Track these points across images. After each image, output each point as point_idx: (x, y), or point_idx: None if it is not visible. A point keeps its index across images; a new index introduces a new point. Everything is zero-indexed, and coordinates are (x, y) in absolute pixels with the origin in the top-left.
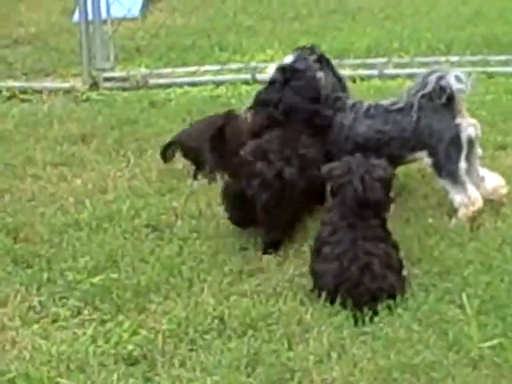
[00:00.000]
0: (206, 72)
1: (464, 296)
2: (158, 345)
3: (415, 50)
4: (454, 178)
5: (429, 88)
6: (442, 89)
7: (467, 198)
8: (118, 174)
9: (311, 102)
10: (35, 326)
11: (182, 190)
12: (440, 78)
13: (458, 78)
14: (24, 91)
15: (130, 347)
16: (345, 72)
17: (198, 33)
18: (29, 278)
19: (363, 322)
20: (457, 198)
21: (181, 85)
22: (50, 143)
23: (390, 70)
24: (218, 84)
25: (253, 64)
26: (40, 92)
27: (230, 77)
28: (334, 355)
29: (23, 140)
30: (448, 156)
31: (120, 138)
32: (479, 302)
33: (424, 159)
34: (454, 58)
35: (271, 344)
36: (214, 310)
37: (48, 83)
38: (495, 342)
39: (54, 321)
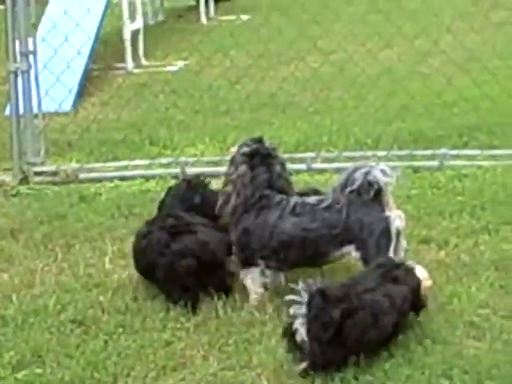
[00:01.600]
0: (136, 166)
1: None
2: None
3: (343, 145)
4: None
5: (357, 184)
6: (370, 184)
7: None
8: (45, 269)
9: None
10: None
11: (108, 284)
12: (367, 173)
13: (383, 172)
14: None
15: None
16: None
17: (130, 127)
18: None
19: None
20: None
21: (111, 179)
22: None
23: (319, 165)
24: (148, 178)
25: (182, 158)
26: None
27: (159, 171)
28: None
29: None
30: (378, 248)
31: (49, 232)
32: None
33: (352, 253)
34: (382, 153)
35: None
36: None
37: None
38: None
39: None
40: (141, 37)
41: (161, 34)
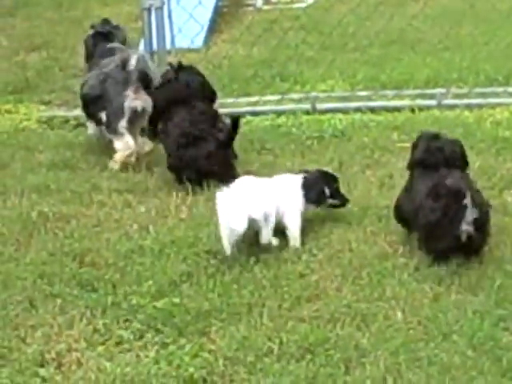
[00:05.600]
0: (267, 102)
1: None
2: (218, 368)
3: (474, 81)
4: (116, 132)
5: (115, 63)
6: (124, 66)
7: (123, 144)
8: (180, 201)
9: None
10: (100, 348)
11: None
12: (126, 58)
13: (139, 60)
14: None
15: (191, 370)
16: (404, 102)
17: (260, 63)
18: (94, 301)
19: None
20: (116, 144)
21: (243, 114)
22: (115, 171)
23: (449, 101)
24: (279, 113)
25: (313, 94)
26: None
27: (290, 106)
28: (390, 380)
29: (89, 168)
30: (114, 116)
31: None
32: None
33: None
34: None
35: (328, 368)
36: (273, 334)
37: None
38: None
39: (118, 343)
40: None
41: None
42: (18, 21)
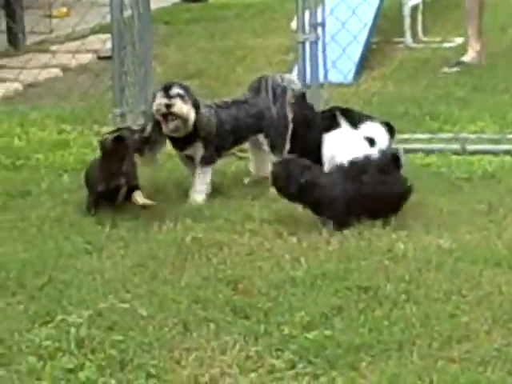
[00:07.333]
0: (416, 140)
1: None
2: None
3: None
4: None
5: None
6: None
7: None
8: (329, 235)
9: None
10: (252, 375)
11: (394, 251)
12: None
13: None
14: (241, 150)
15: None
16: None
17: (410, 101)
18: (247, 328)
19: None
20: None
21: None
22: (266, 201)
23: None
24: (428, 152)
25: (463, 135)
26: None
27: (440, 146)
28: None
29: (241, 197)
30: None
31: None
32: None
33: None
34: None
35: None
36: (424, 373)
37: None
38: None
39: (270, 372)
40: (419, 12)
41: (440, 9)
42: (171, 49)
